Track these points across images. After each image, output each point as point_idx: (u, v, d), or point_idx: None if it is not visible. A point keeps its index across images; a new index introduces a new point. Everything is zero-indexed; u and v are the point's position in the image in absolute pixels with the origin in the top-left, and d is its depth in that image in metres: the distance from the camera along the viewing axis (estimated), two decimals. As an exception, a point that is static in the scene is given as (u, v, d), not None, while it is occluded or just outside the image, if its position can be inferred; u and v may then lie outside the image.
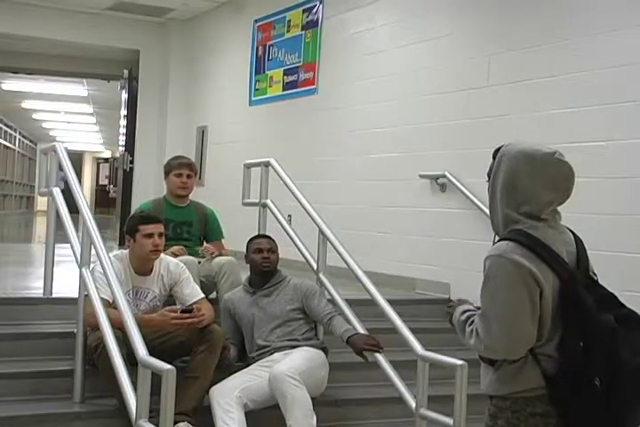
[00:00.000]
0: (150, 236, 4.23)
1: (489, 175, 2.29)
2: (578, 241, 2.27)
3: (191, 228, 5.17)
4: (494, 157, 2.28)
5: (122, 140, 11.03)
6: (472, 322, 2.21)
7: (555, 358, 2.14)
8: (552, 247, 2.16)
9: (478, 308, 2.24)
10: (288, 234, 5.07)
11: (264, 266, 4.53)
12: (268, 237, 4.71)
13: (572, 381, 2.10)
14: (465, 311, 2.28)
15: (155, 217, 4.39)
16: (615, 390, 2.08)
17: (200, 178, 8.80)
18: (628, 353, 2.09)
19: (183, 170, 5.19)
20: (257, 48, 8.63)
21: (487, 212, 5.95)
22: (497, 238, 2.25)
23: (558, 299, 2.14)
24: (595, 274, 2.27)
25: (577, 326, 2.11)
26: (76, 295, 4.12)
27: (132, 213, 4.95)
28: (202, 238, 5.27)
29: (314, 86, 7.62)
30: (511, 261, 2.11)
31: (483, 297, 2.17)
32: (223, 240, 5.37)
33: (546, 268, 2.12)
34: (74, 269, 4.20)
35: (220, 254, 5.04)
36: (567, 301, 2.13)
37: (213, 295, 4.95)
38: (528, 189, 2.18)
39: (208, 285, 4.87)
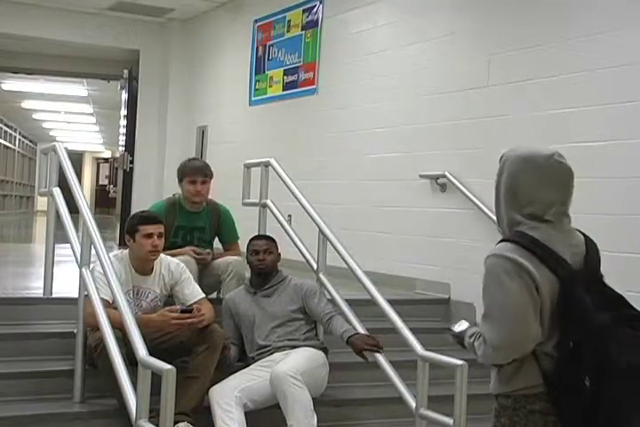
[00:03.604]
0: (150, 236, 4.22)
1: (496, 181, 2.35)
2: (589, 244, 2.31)
3: (203, 234, 5.06)
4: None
5: (122, 140, 11.03)
6: (478, 337, 2.24)
7: (553, 357, 2.18)
8: (552, 248, 2.20)
9: None
10: (288, 234, 5.07)
11: (259, 268, 4.54)
12: (268, 238, 4.70)
13: (564, 379, 2.14)
14: (473, 334, 2.30)
15: (155, 217, 4.37)
16: (604, 389, 2.10)
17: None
18: (627, 353, 2.10)
19: (197, 176, 4.94)
20: (257, 48, 8.63)
21: (487, 212, 5.98)
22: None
23: (557, 298, 2.17)
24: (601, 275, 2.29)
25: (571, 325, 2.15)
26: (75, 295, 4.12)
27: (134, 212, 4.91)
28: (213, 241, 5.17)
29: (314, 86, 7.62)
30: (507, 259, 2.17)
31: (484, 297, 2.22)
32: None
33: (543, 267, 2.17)
34: (74, 269, 4.20)
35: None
36: (564, 299, 2.17)
37: (214, 295, 4.96)
38: (529, 191, 2.24)
39: (213, 283, 4.87)
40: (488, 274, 2.21)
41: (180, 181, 5.04)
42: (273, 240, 4.67)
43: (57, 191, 4.61)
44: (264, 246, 4.56)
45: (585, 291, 2.17)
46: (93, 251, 3.95)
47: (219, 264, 4.88)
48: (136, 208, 8.64)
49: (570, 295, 2.16)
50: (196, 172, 4.98)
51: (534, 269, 2.16)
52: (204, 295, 4.38)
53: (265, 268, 4.53)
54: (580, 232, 2.34)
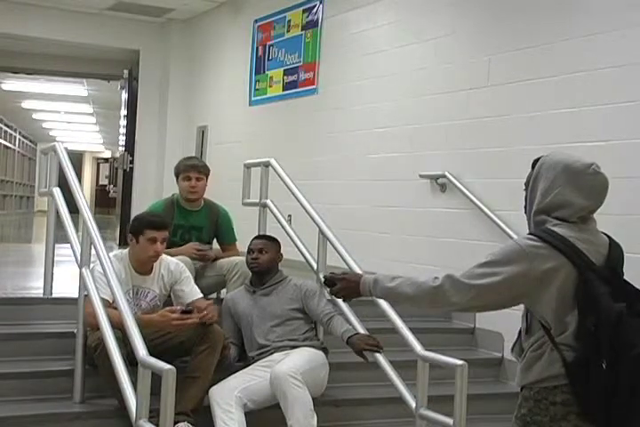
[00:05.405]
0: (154, 241, 4.22)
1: (526, 184, 2.44)
2: (613, 245, 2.39)
3: (201, 233, 5.06)
4: (533, 167, 2.43)
5: (122, 140, 11.03)
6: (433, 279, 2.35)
7: (572, 347, 2.24)
8: (574, 243, 2.27)
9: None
10: (288, 234, 5.06)
11: (252, 266, 4.55)
12: (267, 238, 4.70)
13: (586, 365, 2.20)
14: (390, 277, 2.44)
15: (163, 224, 4.35)
16: (620, 374, 2.16)
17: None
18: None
19: (191, 173, 5.01)
20: (257, 48, 8.63)
21: (487, 212, 5.96)
22: None
23: (575, 288, 2.25)
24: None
25: (589, 311, 2.21)
26: (75, 295, 4.12)
27: (141, 212, 4.91)
28: (211, 241, 5.18)
29: (314, 86, 7.62)
30: (519, 245, 2.28)
31: (475, 263, 2.33)
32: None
33: (563, 259, 2.25)
34: (74, 269, 4.20)
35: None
36: (582, 287, 2.24)
37: (213, 296, 4.96)
38: (563, 197, 2.33)
39: (216, 283, 4.86)
40: (494, 252, 2.31)
41: (177, 177, 5.10)
42: (273, 240, 4.67)
43: (57, 191, 4.61)
44: (259, 246, 4.57)
45: (602, 282, 2.23)
46: (93, 251, 3.95)
47: (222, 264, 4.89)
48: (136, 208, 8.65)
49: (588, 284, 2.23)
50: (189, 168, 5.05)
51: (551, 262, 2.23)
52: (201, 295, 4.39)
53: (257, 266, 4.53)
54: (606, 235, 2.41)
